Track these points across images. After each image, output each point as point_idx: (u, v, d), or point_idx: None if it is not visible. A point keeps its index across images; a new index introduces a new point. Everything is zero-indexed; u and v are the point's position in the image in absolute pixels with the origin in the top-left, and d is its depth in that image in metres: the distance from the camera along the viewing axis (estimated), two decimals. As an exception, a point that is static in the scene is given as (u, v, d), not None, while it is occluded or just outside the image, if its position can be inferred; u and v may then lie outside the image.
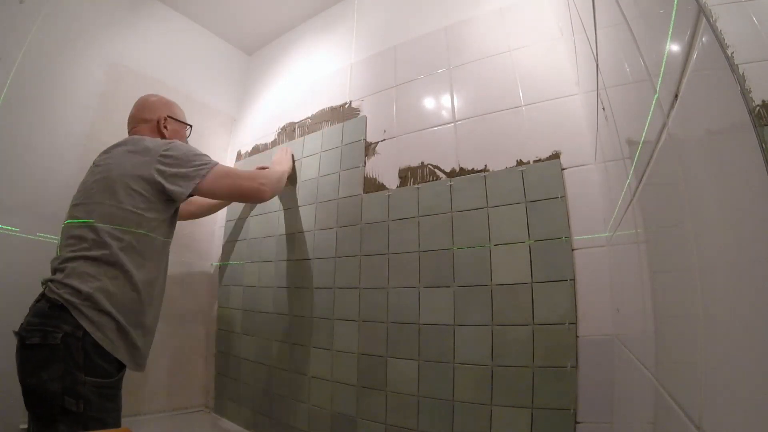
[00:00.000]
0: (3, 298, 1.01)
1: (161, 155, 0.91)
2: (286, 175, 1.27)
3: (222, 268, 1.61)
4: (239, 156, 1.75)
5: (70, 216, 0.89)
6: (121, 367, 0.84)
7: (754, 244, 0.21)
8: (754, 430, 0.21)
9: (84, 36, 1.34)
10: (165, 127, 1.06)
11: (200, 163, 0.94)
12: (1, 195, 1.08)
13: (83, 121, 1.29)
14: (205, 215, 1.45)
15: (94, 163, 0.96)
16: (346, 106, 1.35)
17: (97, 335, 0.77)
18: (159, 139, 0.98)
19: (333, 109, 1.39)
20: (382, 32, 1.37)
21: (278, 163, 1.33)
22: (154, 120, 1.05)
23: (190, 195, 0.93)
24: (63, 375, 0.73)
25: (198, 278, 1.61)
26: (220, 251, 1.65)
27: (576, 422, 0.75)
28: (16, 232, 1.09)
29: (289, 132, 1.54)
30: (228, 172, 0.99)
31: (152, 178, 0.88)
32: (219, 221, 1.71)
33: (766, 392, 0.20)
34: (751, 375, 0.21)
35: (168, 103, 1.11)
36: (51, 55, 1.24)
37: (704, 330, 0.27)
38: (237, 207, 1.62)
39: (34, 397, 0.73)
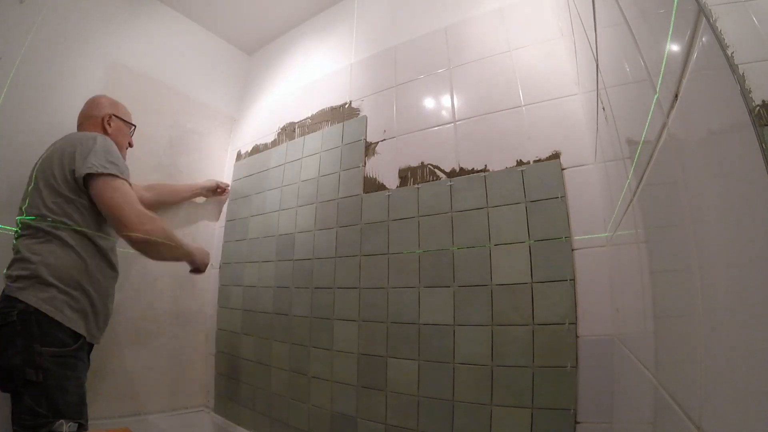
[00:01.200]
0: (3, 298, 1.01)
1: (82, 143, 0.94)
2: (183, 254, 1.09)
3: (222, 268, 1.61)
4: (239, 156, 1.74)
5: None
6: (78, 336, 0.88)
7: (754, 244, 0.21)
8: (754, 430, 0.21)
9: (84, 36, 1.34)
10: (108, 124, 1.11)
11: (107, 162, 0.92)
12: (1, 195, 1.08)
13: (83, 121, 1.29)
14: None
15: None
16: (346, 106, 1.35)
17: (45, 308, 0.82)
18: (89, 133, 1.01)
19: (333, 109, 1.39)
20: (382, 32, 1.37)
21: (196, 249, 1.18)
22: (99, 117, 1.10)
23: (85, 183, 0.91)
24: (22, 349, 0.79)
25: (198, 278, 1.60)
26: (220, 251, 1.65)
27: (576, 422, 0.75)
28: (15, 232, 1.09)
29: (289, 132, 1.54)
30: (125, 192, 0.93)
31: (72, 166, 0.91)
32: (219, 221, 1.71)
33: (766, 392, 0.20)
34: (751, 375, 0.21)
35: (115, 103, 1.16)
36: (51, 55, 1.23)
37: (704, 330, 0.27)
38: (237, 207, 1.62)
39: (3, 374, 0.79)
